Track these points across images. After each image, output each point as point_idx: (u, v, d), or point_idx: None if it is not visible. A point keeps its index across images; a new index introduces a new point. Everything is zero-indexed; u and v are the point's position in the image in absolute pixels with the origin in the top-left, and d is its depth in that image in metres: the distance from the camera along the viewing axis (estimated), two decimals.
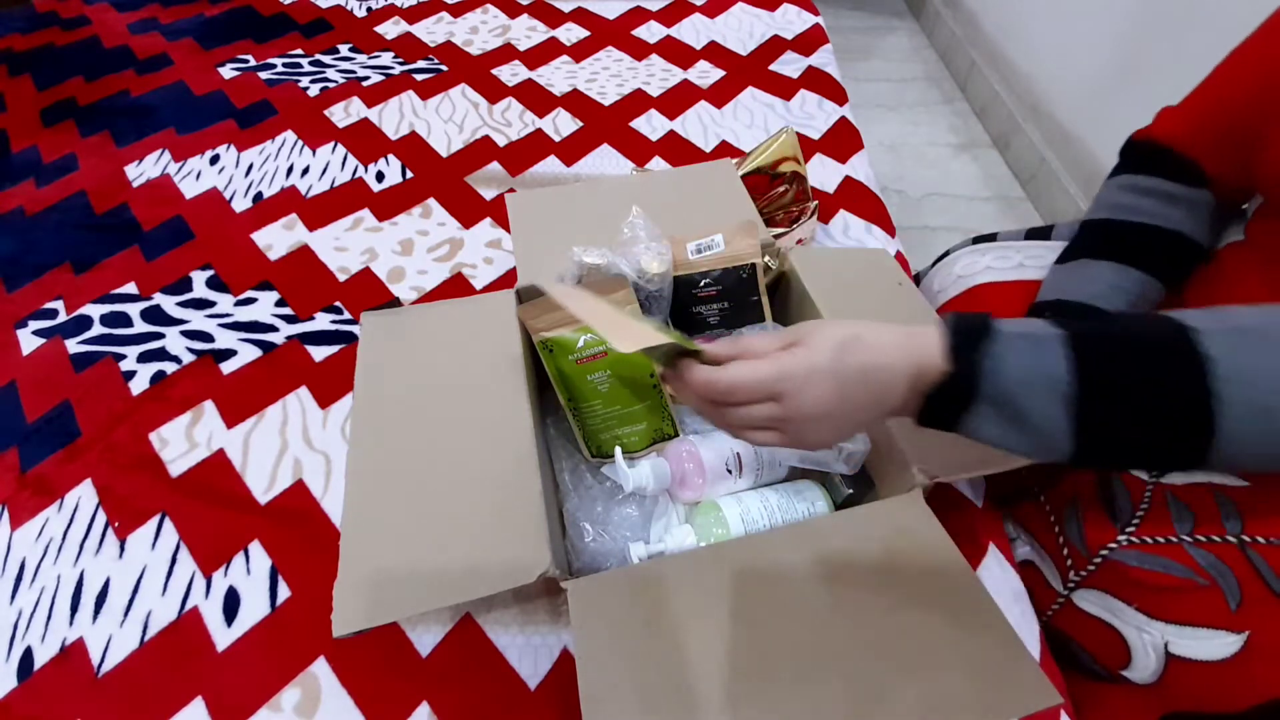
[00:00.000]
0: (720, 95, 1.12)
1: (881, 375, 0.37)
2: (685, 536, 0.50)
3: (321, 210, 0.91)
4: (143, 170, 0.98)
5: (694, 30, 1.28)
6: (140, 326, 0.77)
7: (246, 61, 1.20)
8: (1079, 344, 0.34)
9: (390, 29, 1.28)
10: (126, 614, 0.56)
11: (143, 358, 0.73)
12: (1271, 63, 0.49)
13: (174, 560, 0.58)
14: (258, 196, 0.93)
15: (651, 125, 1.05)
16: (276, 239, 0.87)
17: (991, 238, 0.72)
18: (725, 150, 1.01)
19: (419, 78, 1.15)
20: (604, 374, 0.55)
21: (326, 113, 1.07)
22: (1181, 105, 0.57)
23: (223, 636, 0.54)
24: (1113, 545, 0.47)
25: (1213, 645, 0.43)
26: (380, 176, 0.96)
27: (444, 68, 1.18)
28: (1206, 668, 0.43)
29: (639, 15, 1.33)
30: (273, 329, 0.77)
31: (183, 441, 0.66)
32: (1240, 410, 0.31)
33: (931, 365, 0.36)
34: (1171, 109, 0.58)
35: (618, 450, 0.53)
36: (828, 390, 0.37)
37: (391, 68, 1.18)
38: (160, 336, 0.76)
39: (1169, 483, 0.47)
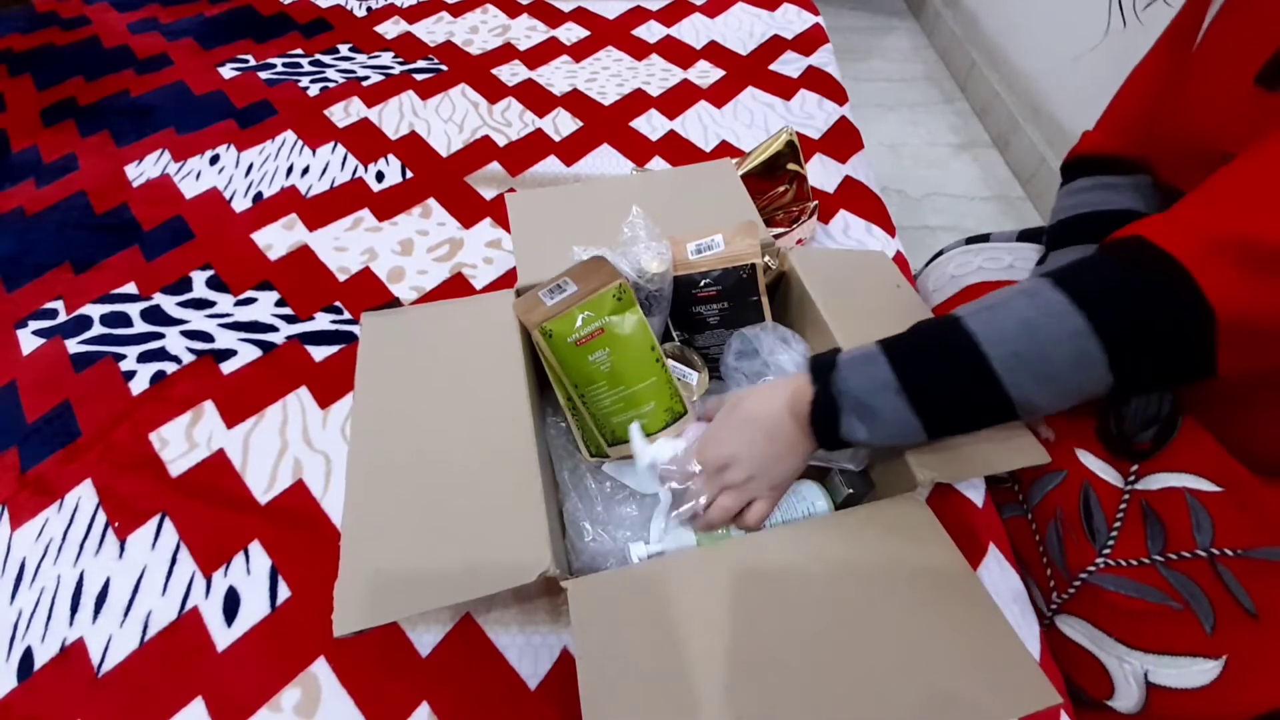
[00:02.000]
0: (720, 95, 1.12)
1: (765, 421, 0.49)
2: (685, 536, 0.50)
3: (321, 210, 0.91)
4: (143, 170, 0.98)
5: (694, 30, 1.28)
6: (140, 326, 0.77)
7: (246, 61, 1.20)
8: (891, 351, 0.45)
9: (390, 29, 1.28)
10: (126, 614, 0.56)
11: (143, 358, 0.73)
12: (1167, 57, 0.57)
13: (174, 560, 0.59)
14: (258, 196, 0.93)
15: (651, 125, 1.05)
16: (276, 239, 0.87)
17: (984, 238, 0.72)
18: (725, 150, 1.01)
19: (419, 77, 1.15)
20: (604, 352, 0.54)
21: (326, 113, 1.07)
22: (1098, 122, 0.65)
23: (223, 636, 0.54)
24: (1091, 569, 0.48)
25: (1192, 673, 0.44)
26: (380, 176, 0.96)
27: (444, 67, 1.18)
28: (1188, 695, 0.44)
29: (639, 15, 1.32)
30: (273, 329, 0.77)
31: (183, 441, 0.66)
32: (1005, 362, 0.41)
33: (801, 398, 0.47)
34: (1089, 130, 0.65)
35: (634, 428, 0.53)
36: (724, 441, 0.50)
37: (391, 68, 1.18)
38: (160, 336, 0.76)
39: (1144, 489, 0.47)
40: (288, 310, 0.79)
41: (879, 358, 0.45)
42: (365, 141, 1.02)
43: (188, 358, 0.73)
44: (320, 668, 0.52)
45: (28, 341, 0.76)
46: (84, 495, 0.63)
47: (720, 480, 0.49)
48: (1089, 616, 0.49)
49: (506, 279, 0.82)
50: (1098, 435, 0.51)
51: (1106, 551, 0.47)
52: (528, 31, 1.28)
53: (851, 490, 0.53)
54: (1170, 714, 0.45)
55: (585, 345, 0.54)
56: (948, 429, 0.46)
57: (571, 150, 1.01)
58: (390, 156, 0.99)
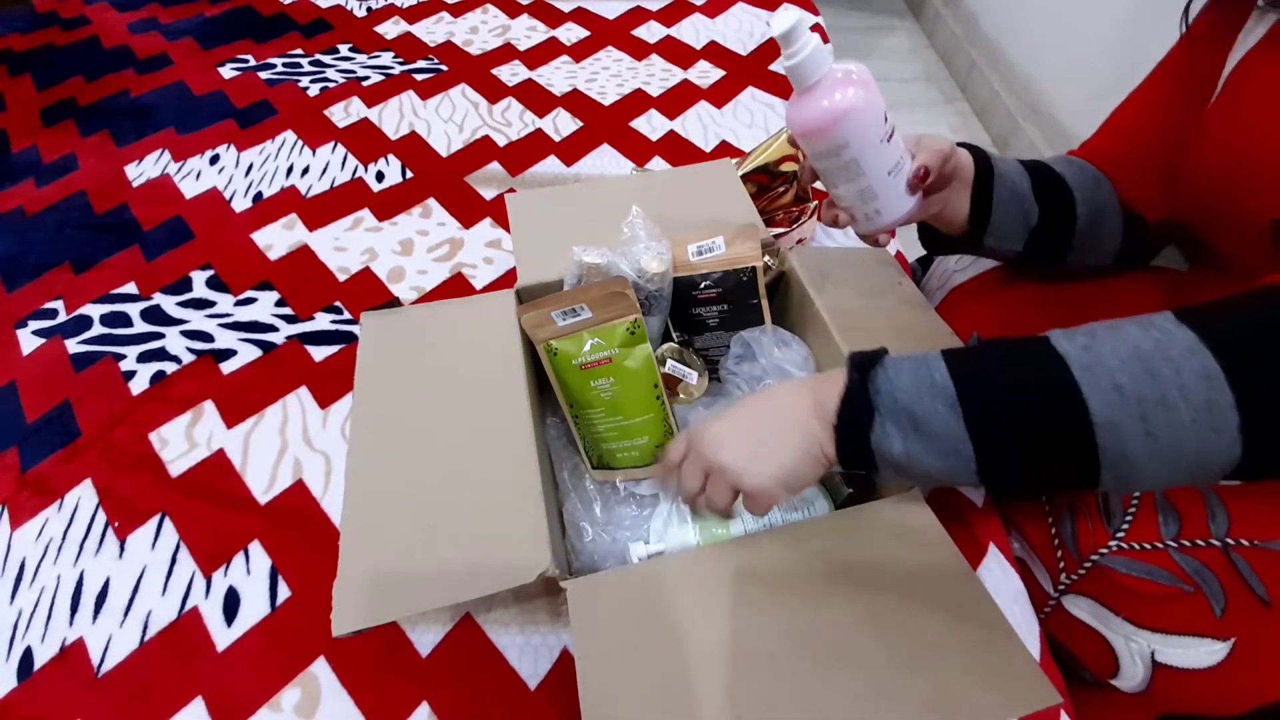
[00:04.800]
0: (720, 95, 1.12)
1: (782, 406, 0.42)
2: (685, 535, 0.50)
3: (321, 210, 0.91)
4: (143, 170, 0.98)
5: (694, 30, 1.28)
6: (140, 326, 0.77)
7: (246, 61, 1.20)
8: (953, 356, 0.38)
9: (390, 29, 1.28)
10: (126, 614, 0.56)
11: (143, 358, 0.73)
12: (1175, 99, 0.54)
13: (174, 560, 0.59)
14: (258, 196, 0.93)
15: (651, 125, 1.05)
16: (276, 239, 0.87)
17: None
18: (725, 150, 1.01)
19: (419, 78, 1.15)
20: (607, 381, 0.54)
21: (326, 113, 1.07)
22: (1082, 146, 0.62)
23: (223, 636, 0.54)
24: (1103, 550, 0.47)
25: (1199, 653, 0.44)
26: (380, 176, 0.96)
27: (444, 68, 1.18)
28: (1194, 675, 0.44)
29: (639, 15, 1.33)
30: (273, 329, 0.77)
31: (183, 441, 0.66)
32: (1101, 396, 0.33)
33: (831, 391, 0.40)
34: (1075, 149, 0.62)
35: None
36: (730, 419, 0.43)
37: (391, 68, 1.18)
38: (160, 336, 0.76)
39: None
40: (288, 310, 0.79)
41: (937, 361, 0.38)
42: (365, 141, 1.02)
43: (188, 358, 0.73)
44: (320, 668, 0.52)
45: (28, 341, 0.76)
46: (84, 495, 0.63)
47: (705, 461, 0.42)
48: (1098, 596, 0.49)
49: (506, 279, 0.82)
50: None
51: (1120, 535, 0.47)
52: (528, 32, 1.28)
53: (851, 490, 0.53)
54: (1174, 694, 0.45)
55: (590, 370, 0.54)
56: (1007, 471, 0.37)
57: (571, 150, 1.01)
58: (390, 156, 0.99)
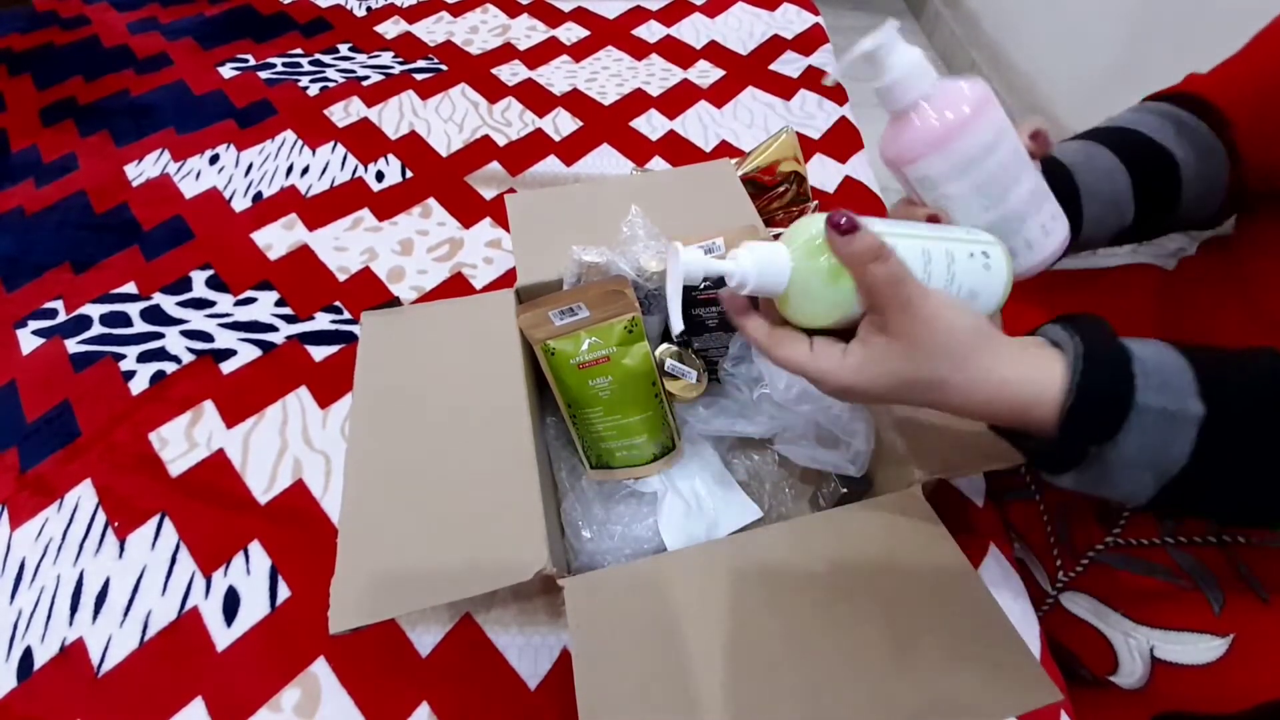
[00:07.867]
0: (720, 95, 1.12)
1: (975, 405, 0.34)
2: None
3: (321, 210, 0.91)
4: (142, 170, 0.98)
5: (694, 30, 1.28)
6: (140, 326, 0.77)
7: (246, 61, 1.20)
8: (1209, 432, 0.31)
9: (390, 28, 1.28)
10: (126, 614, 0.56)
11: (142, 357, 0.73)
12: None
13: (174, 560, 0.59)
14: (257, 196, 0.93)
15: (651, 125, 1.05)
16: (276, 239, 0.87)
17: None
18: (725, 150, 1.01)
19: (419, 77, 1.15)
20: (606, 380, 0.54)
21: (326, 112, 1.07)
22: (1211, 70, 0.52)
23: (223, 636, 0.54)
24: (1100, 547, 0.47)
25: (1197, 649, 0.44)
26: (380, 176, 0.96)
27: (444, 67, 1.18)
28: (1193, 672, 0.44)
29: (639, 15, 1.32)
30: (273, 329, 0.77)
31: (183, 441, 0.66)
32: None
33: (1042, 419, 0.33)
34: (1200, 75, 0.52)
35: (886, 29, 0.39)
36: (885, 390, 0.34)
37: (391, 67, 1.18)
38: (160, 336, 0.76)
39: None
40: (288, 310, 0.79)
41: (1188, 431, 0.31)
42: (365, 141, 1.02)
43: (187, 357, 0.73)
44: (320, 667, 0.52)
45: (27, 341, 0.76)
46: (84, 495, 0.63)
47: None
48: (1096, 593, 0.49)
49: (506, 279, 0.82)
50: None
51: (1117, 531, 0.47)
52: (528, 31, 1.28)
53: (846, 490, 0.53)
54: (1173, 691, 0.45)
55: (587, 370, 0.54)
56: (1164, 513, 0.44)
57: (571, 150, 1.01)
58: (390, 156, 0.99)
